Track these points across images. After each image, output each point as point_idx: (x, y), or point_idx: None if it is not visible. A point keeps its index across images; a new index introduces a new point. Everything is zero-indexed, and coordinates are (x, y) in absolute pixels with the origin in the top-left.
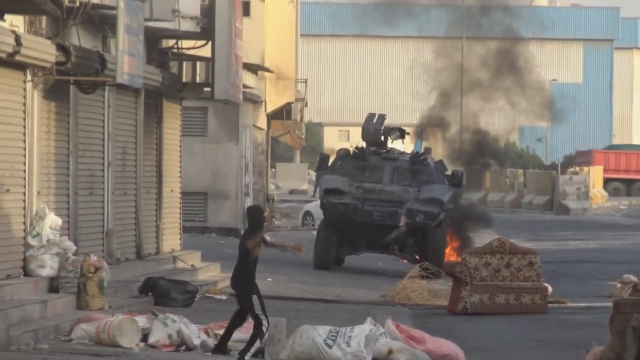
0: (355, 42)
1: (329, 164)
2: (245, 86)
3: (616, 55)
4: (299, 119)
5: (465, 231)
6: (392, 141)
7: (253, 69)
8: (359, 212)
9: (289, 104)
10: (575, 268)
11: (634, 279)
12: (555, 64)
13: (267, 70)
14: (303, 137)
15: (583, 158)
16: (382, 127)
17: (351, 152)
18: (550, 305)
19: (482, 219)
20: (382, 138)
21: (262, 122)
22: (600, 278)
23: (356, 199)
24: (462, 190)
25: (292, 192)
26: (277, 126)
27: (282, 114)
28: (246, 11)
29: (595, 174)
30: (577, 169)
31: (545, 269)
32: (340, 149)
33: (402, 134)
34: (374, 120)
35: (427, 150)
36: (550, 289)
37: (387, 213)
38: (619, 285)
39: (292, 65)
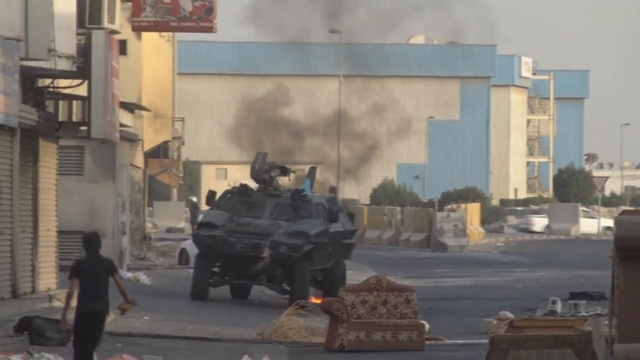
0: (232, 81)
1: (215, 200)
2: (122, 125)
3: (493, 92)
4: (176, 157)
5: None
6: (274, 178)
7: (130, 107)
8: (225, 243)
9: (166, 142)
10: (452, 305)
11: (510, 315)
12: (433, 102)
13: (144, 109)
14: (181, 175)
15: None
16: (265, 165)
17: (236, 190)
18: (427, 342)
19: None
20: (267, 176)
21: (140, 160)
22: (477, 315)
23: (225, 232)
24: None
25: (169, 230)
26: (154, 165)
27: (160, 152)
28: (123, 50)
29: (473, 211)
30: (455, 205)
31: (423, 306)
32: (232, 187)
33: (283, 171)
34: (259, 159)
35: (332, 189)
36: (427, 326)
37: (249, 245)
38: (495, 322)
39: (169, 104)
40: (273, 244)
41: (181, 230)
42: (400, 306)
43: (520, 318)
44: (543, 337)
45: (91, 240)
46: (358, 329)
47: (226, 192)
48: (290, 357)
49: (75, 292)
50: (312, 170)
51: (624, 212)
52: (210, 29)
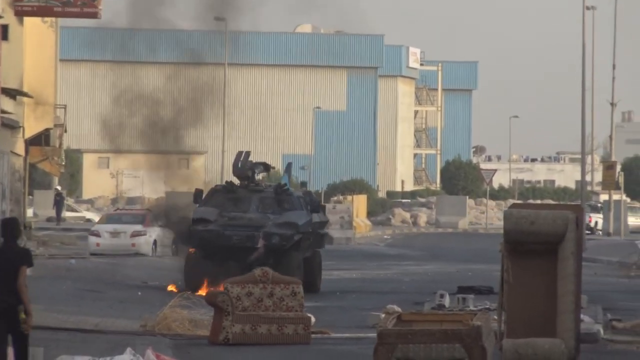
0: (113, 67)
1: (202, 198)
2: (3, 111)
3: (381, 83)
4: (57, 145)
5: None
6: (257, 174)
7: (12, 93)
8: (221, 237)
9: (47, 130)
10: (338, 298)
11: (397, 309)
12: (320, 92)
13: (26, 95)
14: (62, 163)
15: None
16: (248, 163)
17: (222, 187)
18: (313, 335)
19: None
20: (250, 173)
21: (20, 148)
22: (363, 309)
23: (219, 226)
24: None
25: (49, 219)
26: (35, 152)
27: (41, 140)
28: (4, 35)
29: (359, 203)
30: (341, 197)
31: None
32: (216, 185)
33: (266, 167)
34: (242, 157)
35: (303, 183)
36: (313, 319)
37: (245, 236)
38: (384, 315)
39: (51, 90)
40: (266, 234)
41: (63, 219)
42: (286, 299)
43: (408, 312)
44: (432, 331)
45: (9, 227)
46: (243, 321)
47: (213, 190)
48: (174, 350)
49: None
50: (289, 166)
51: (514, 206)
52: (94, 15)
